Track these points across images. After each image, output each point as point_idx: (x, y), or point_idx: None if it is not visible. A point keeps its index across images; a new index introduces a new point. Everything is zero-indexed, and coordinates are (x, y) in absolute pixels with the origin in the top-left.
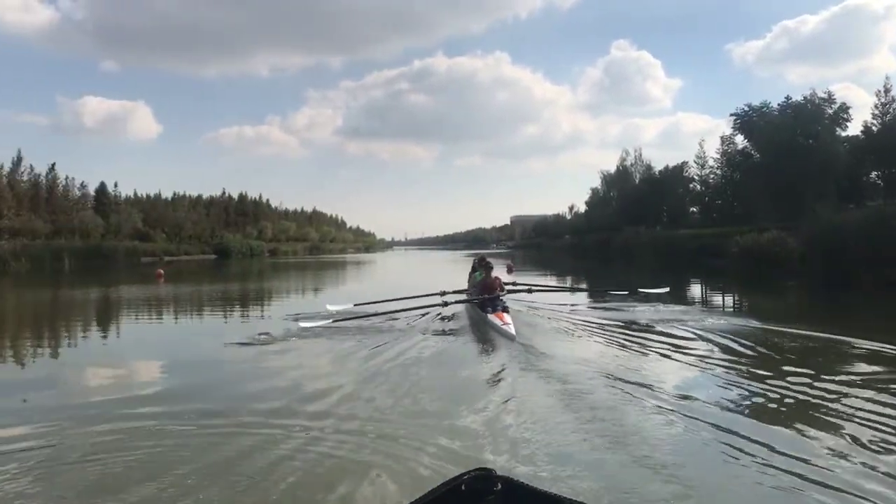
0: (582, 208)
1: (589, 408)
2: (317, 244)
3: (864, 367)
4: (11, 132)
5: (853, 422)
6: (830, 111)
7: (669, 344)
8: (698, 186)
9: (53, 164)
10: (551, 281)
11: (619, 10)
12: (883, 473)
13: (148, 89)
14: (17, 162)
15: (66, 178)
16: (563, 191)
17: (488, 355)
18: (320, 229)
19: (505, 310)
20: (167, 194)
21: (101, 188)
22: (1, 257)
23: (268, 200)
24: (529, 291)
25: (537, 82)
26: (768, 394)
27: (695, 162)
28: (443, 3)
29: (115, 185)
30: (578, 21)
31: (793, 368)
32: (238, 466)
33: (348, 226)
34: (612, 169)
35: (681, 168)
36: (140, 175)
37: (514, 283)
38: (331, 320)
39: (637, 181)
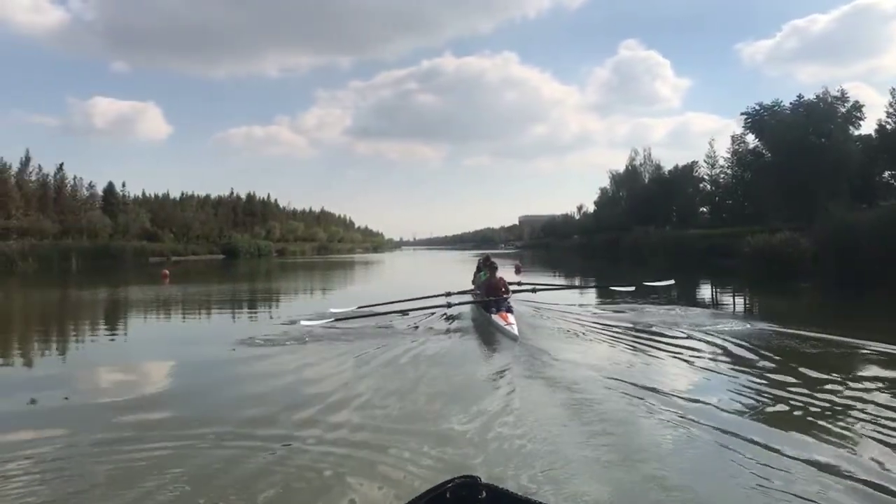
0: (591, 208)
1: (590, 414)
2: (325, 244)
3: (880, 371)
4: (22, 132)
5: (872, 428)
6: (843, 110)
7: (676, 346)
8: (708, 186)
9: (61, 165)
10: (559, 281)
11: (627, 9)
12: None
13: (158, 90)
14: (26, 162)
15: (75, 178)
16: (572, 191)
17: (490, 357)
18: (328, 229)
19: (509, 310)
20: (175, 194)
21: (110, 188)
22: (8, 257)
23: (276, 200)
24: (534, 291)
25: (545, 82)
26: (788, 401)
27: (705, 161)
28: (451, 2)
29: (123, 185)
30: (587, 21)
31: (811, 373)
32: (222, 478)
33: (356, 226)
34: (621, 168)
35: (691, 168)
36: (149, 175)
37: (518, 283)
38: (332, 319)
39: (646, 181)
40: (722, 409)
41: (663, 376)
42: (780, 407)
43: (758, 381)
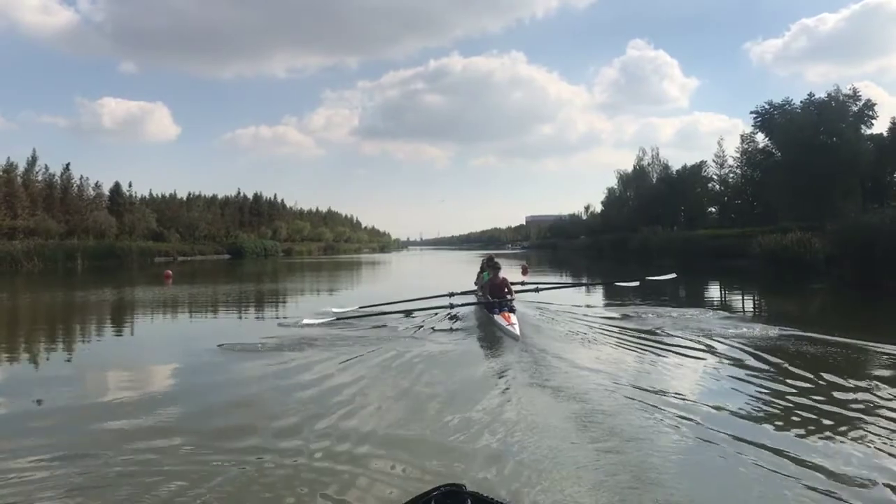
0: (598, 208)
1: (588, 420)
2: (331, 244)
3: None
4: (33, 133)
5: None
6: (855, 108)
7: (682, 349)
8: (717, 186)
9: (68, 164)
10: (564, 280)
11: (635, 9)
12: None
13: (166, 90)
14: (32, 162)
15: (81, 178)
16: (579, 191)
17: (490, 358)
18: (335, 229)
19: (511, 310)
20: (183, 194)
21: (116, 188)
22: (13, 257)
23: (282, 200)
24: (537, 290)
25: (553, 82)
26: (802, 408)
27: (714, 161)
28: (459, 2)
29: (130, 185)
30: (595, 20)
31: (832, 378)
32: (202, 486)
33: (363, 226)
34: (629, 168)
35: (699, 167)
36: (158, 176)
37: (522, 283)
38: (334, 318)
39: (654, 181)
40: (728, 415)
41: (667, 379)
42: (794, 414)
43: (768, 386)
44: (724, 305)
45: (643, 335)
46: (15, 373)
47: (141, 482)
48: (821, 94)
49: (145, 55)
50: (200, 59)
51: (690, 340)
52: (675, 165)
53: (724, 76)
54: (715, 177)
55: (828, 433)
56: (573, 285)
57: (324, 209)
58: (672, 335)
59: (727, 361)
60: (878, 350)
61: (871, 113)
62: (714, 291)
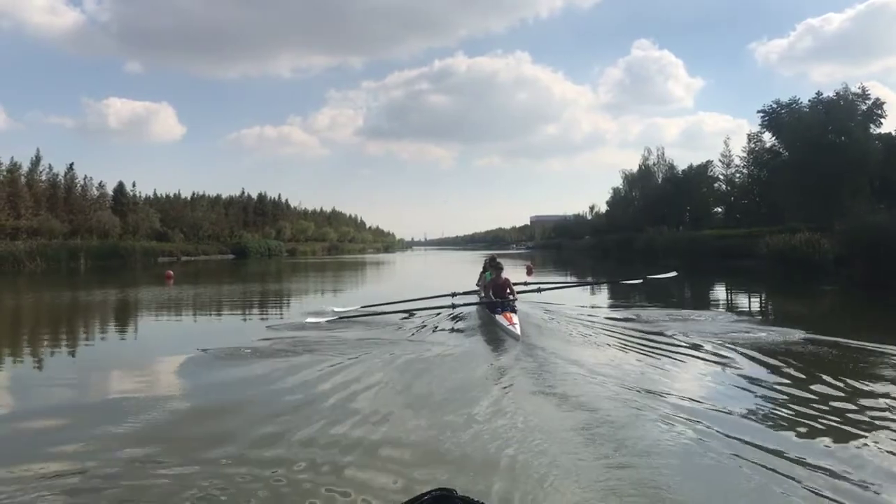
0: (603, 208)
1: (585, 421)
2: (335, 244)
3: None
4: (39, 133)
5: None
6: (864, 107)
7: (686, 350)
8: (723, 186)
9: (72, 164)
10: (568, 280)
11: (640, 9)
12: None
13: (172, 90)
14: (36, 162)
15: (85, 177)
16: (584, 191)
17: (490, 358)
18: (339, 229)
19: (513, 310)
20: (187, 194)
21: (120, 188)
22: (16, 257)
23: (287, 200)
24: (539, 291)
25: (558, 82)
26: (813, 413)
27: (720, 161)
28: (464, 3)
29: (133, 185)
30: (600, 20)
31: (853, 383)
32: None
33: (367, 226)
34: (634, 168)
35: (705, 167)
36: (163, 176)
37: (525, 283)
38: (336, 318)
39: (660, 181)
40: (732, 418)
41: (670, 381)
42: (804, 419)
43: (786, 392)
44: (732, 306)
45: (645, 336)
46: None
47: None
48: (828, 93)
49: (151, 55)
50: (206, 60)
51: (694, 342)
52: (681, 165)
53: (728, 76)
54: (721, 177)
55: (840, 439)
56: (576, 285)
57: (328, 209)
58: (675, 336)
59: (729, 364)
60: (890, 352)
61: (879, 112)
62: (720, 292)
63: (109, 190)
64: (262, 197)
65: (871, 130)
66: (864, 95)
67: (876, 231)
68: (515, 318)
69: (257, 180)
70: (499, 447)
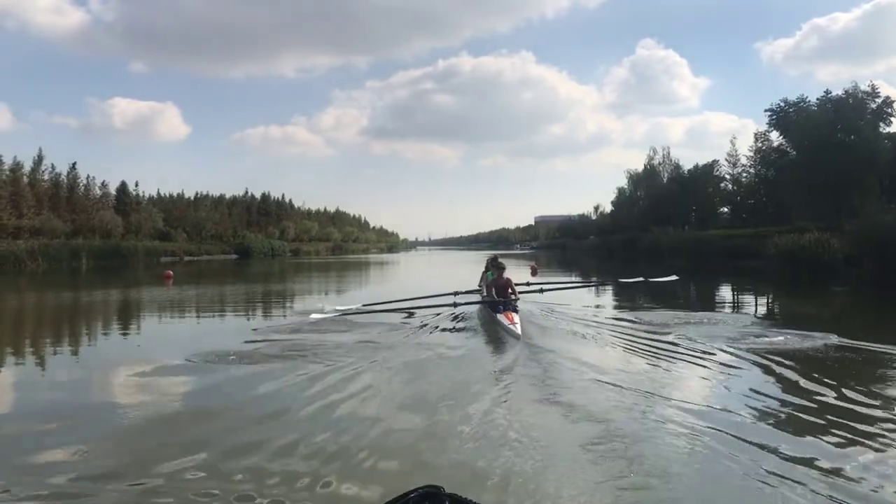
0: (608, 208)
1: (583, 421)
2: (339, 244)
3: None
4: (44, 133)
5: None
6: (873, 106)
7: (689, 351)
8: (729, 186)
9: (74, 164)
10: (572, 280)
11: (645, 8)
12: None
13: (176, 90)
14: (38, 161)
15: (87, 177)
16: (588, 191)
17: (489, 358)
18: (343, 229)
19: (514, 310)
20: (191, 194)
21: (122, 187)
22: (17, 257)
23: (290, 200)
24: (541, 291)
25: (563, 82)
26: (821, 417)
27: (726, 160)
28: (468, 2)
29: (136, 185)
30: (605, 20)
31: (878, 389)
32: None
33: (371, 226)
34: (639, 168)
35: (711, 167)
36: (168, 175)
37: (527, 284)
38: (337, 315)
39: (665, 180)
40: (752, 426)
41: (672, 382)
42: (813, 423)
43: (802, 397)
44: (740, 307)
45: (646, 336)
46: None
47: None
48: (837, 92)
49: (155, 55)
50: (210, 59)
51: (703, 345)
52: (686, 165)
53: (734, 76)
54: (727, 176)
55: (848, 445)
56: (578, 285)
57: (332, 209)
58: (677, 337)
59: (743, 369)
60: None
61: (889, 110)
62: (727, 293)
63: (112, 190)
64: (265, 197)
65: (881, 129)
66: (873, 94)
67: (886, 230)
68: (517, 318)
69: (261, 180)
70: (487, 450)
